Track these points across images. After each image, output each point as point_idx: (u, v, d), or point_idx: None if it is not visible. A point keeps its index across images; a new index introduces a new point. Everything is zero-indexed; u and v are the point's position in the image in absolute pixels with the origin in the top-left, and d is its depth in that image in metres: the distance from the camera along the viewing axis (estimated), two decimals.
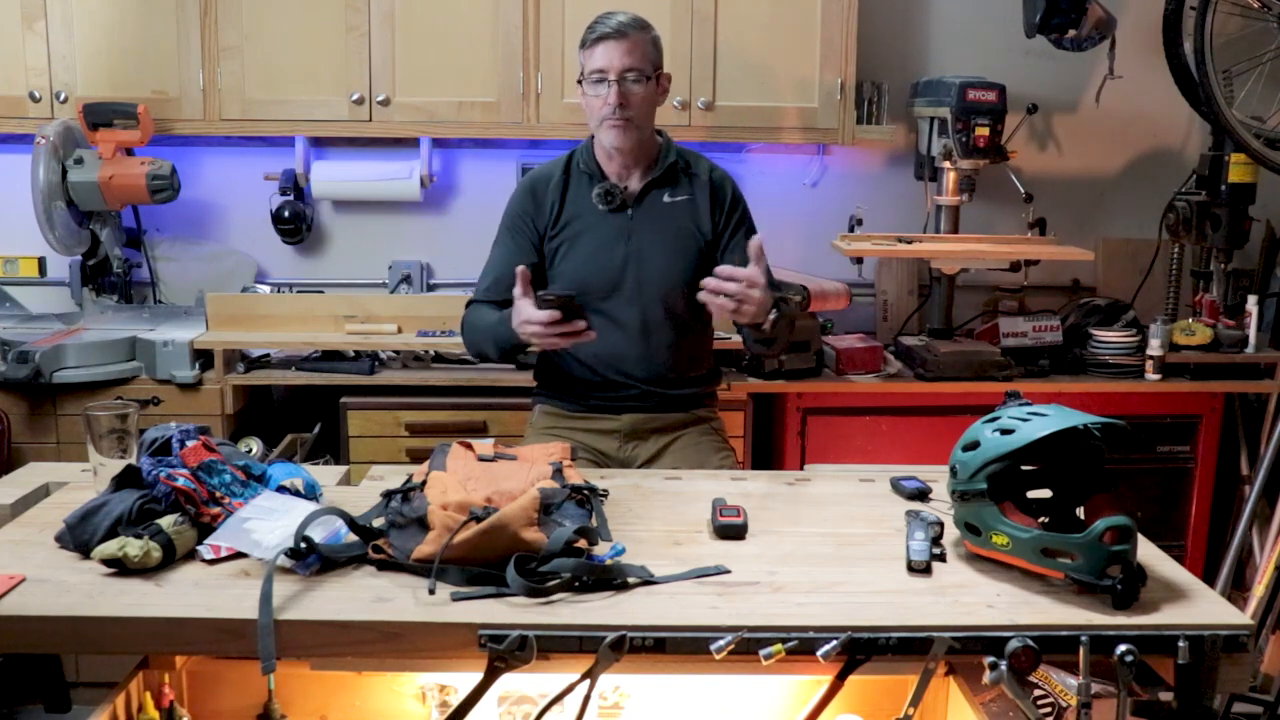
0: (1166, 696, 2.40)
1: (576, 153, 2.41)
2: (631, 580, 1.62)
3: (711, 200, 2.38)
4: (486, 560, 1.59)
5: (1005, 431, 1.64)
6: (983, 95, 3.19)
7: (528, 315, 2.06)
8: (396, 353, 3.20)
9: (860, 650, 1.50)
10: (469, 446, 1.94)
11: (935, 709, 1.86)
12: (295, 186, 3.44)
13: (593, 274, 2.34)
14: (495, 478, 1.79)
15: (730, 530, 1.82)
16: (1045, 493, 1.80)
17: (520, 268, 2.10)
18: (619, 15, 2.28)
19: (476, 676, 1.51)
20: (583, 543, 1.65)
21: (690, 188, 2.38)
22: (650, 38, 2.30)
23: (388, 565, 1.65)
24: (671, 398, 2.40)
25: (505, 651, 1.47)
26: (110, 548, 1.60)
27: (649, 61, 2.29)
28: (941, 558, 1.73)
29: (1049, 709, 2.39)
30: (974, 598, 1.61)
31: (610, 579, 1.61)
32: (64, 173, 3.13)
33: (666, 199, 2.37)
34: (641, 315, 2.35)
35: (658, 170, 2.36)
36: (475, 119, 3.21)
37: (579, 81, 2.32)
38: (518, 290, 2.09)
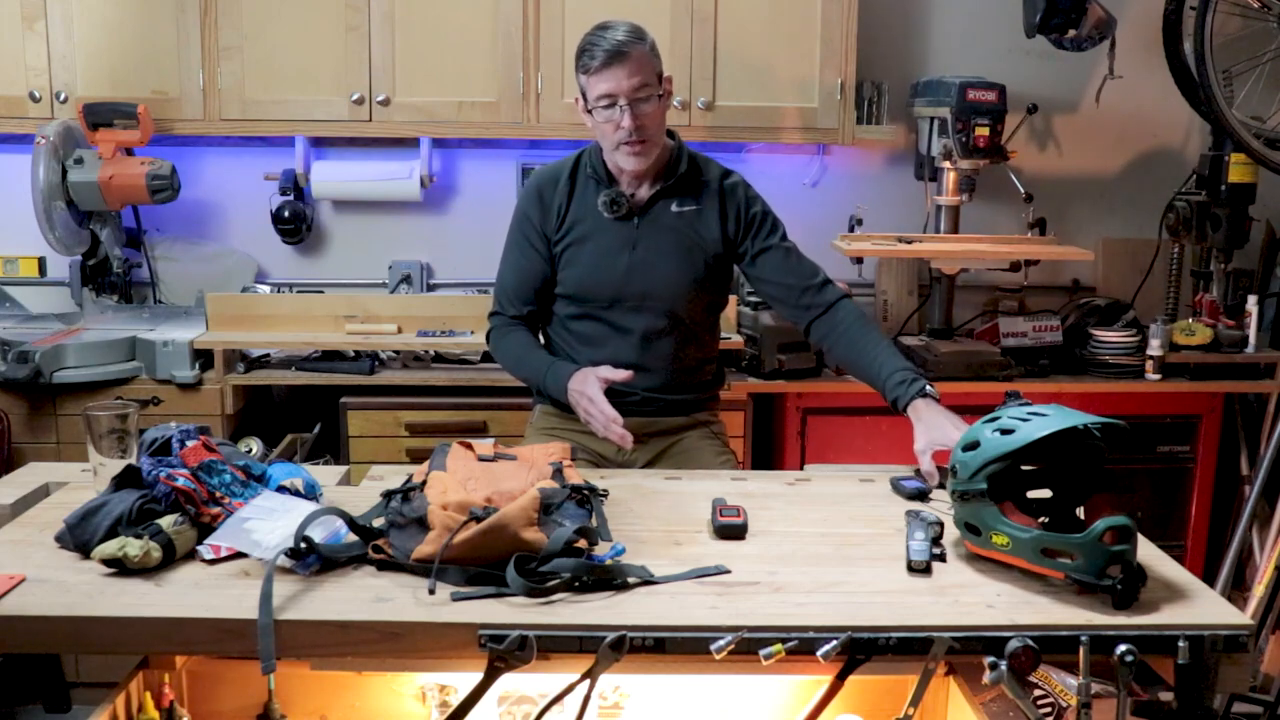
0: (1166, 696, 2.40)
1: (585, 154, 2.34)
2: (631, 580, 1.62)
3: (721, 209, 2.31)
4: (486, 560, 1.59)
5: (1005, 431, 1.64)
6: (983, 95, 3.19)
7: (603, 407, 2.12)
8: (396, 353, 3.20)
9: (860, 650, 1.50)
10: (469, 446, 1.94)
11: (935, 709, 1.86)
12: (295, 186, 3.44)
13: (595, 282, 2.30)
14: (495, 478, 1.79)
15: (730, 530, 1.82)
16: (1045, 493, 1.80)
17: (625, 376, 2.15)
18: (613, 31, 2.17)
19: (476, 676, 1.51)
20: (583, 543, 1.65)
21: (699, 197, 2.31)
22: (649, 47, 2.20)
23: (388, 565, 1.65)
24: (672, 403, 2.39)
25: (505, 651, 1.47)
26: (110, 548, 1.60)
27: (654, 73, 2.20)
28: (941, 558, 1.73)
29: (1049, 709, 2.39)
30: (974, 598, 1.61)
31: (610, 579, 1.61)
32: (64, 173, 3.13)
33: (675, 208, 2.30)
34: (643, 325, 2.32)
35: (669, 179, 2.30)
36: (475, 119, 3.21)
37: (586, 110, 2.22)
38: (603, 376, 2.14)
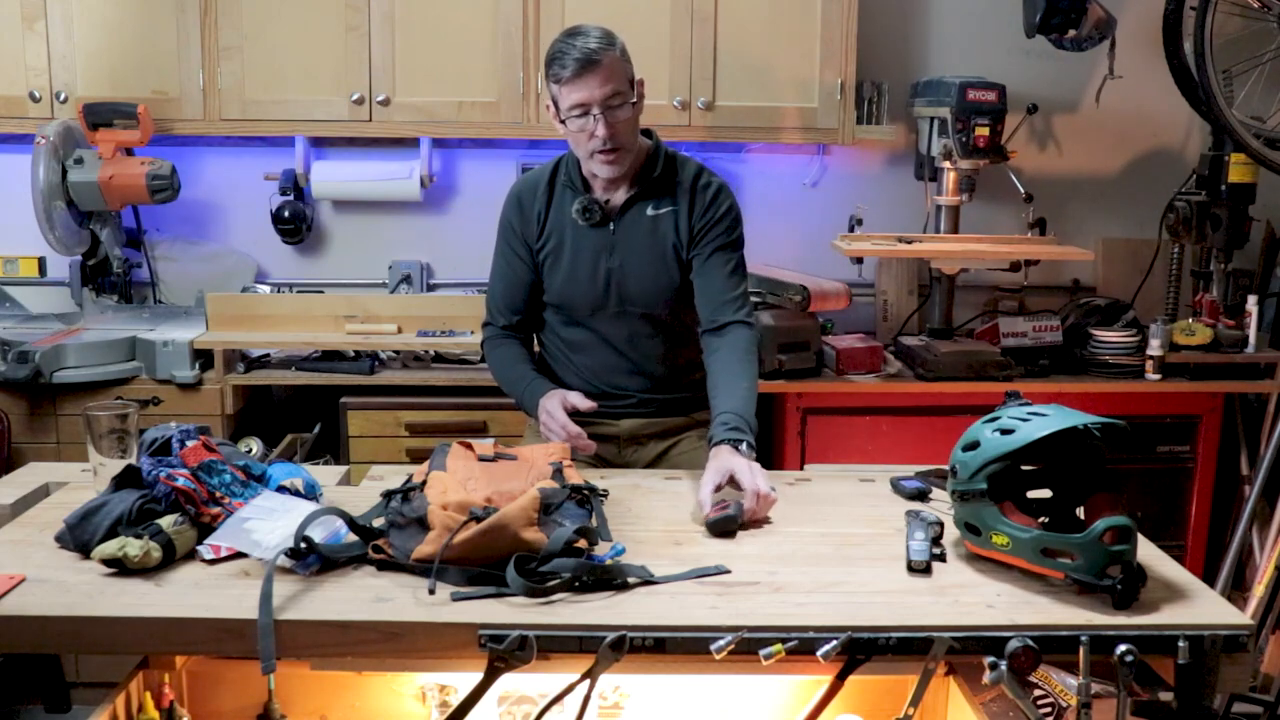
0: (1166, 696, 2.40)
1: (563, 161, 2.32)
2: (631, 580, 1.62)
3: (690, 207, 2.27)
4: (486, 560, 1.59)
5: (1005, 431, 1.64)
6: (983, 95, 3.19)
7: (561, 420, 2.14)
8: (396, 353, 3.20)
9: (860, 650, 1.50)
10: (469, 446, 1.94)
11: (935, 709, 1.86)
12: (295, 186, 3.44)
13: (576, 290, 2.29)
14: (495, 478, 1.79)
15: (722, 524, 1.82)
16: (1045, 493, 1.80)
17: (590, 406, 2.18)
18: (583, 38, 2.11)
19: (476, 676, 1.51)
20: (583, 543, 1.65)
21: (675, 197, 2.27)
22: (618, 51, 2.14)
23: (388, 565, 1.65)
24: (669, 402, 2.38)
25: (505, 651, 1.47)
26: (110, 548, 1.60)
27: (626, 78, 2.15)
28: (941, 558, 1.73)
29: (1049, 709, 2.39)
30: (974, 598, 1.61)
31: (610, 579, 1.61)
32: (64, 173, 3.13)
33: (650, 211, 2.27)
34: (628, 330, 2.31)
35: (644, 183, 2.27)
36: (475, 119, 3.21)
37: (559, 119, 2.18)
38: (570, 401, 2.16)
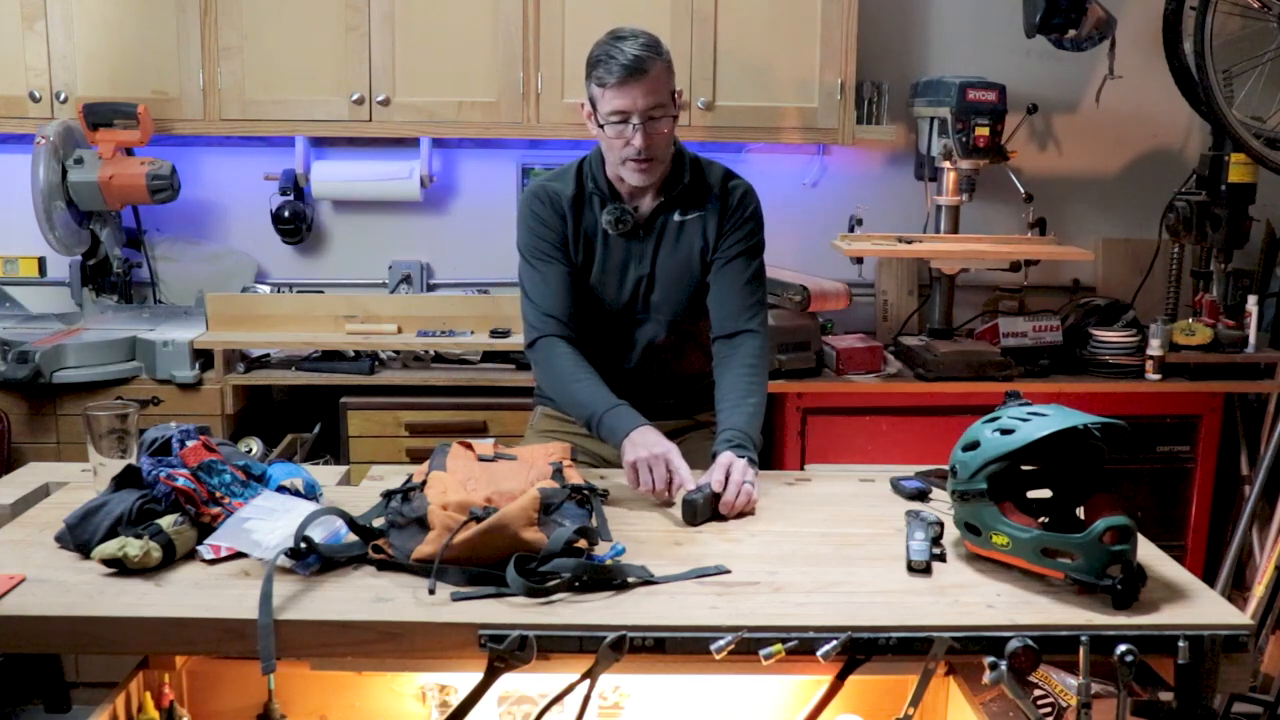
0: (1166, 696, 2.40)
1: (586, 166, 2.28)
2: (631, 580, 1.62)
3: (721, 211, 2.26)
4: (486, 560, 1.59)
5: (1005, 431, 1.64)
6: (983, 95, 3.19)
7: (661, 474, 1.95)
8: (396, 353, 3.20)
9: (860, 650, 1.50)
10: (469, 446, 1.94)
11: (935, 709, 1.86)
12: (295, 186, 3.44)
13: (603, 297, 2.28)
14: (495, 478, 1.79)
15: (692, 509, 1.84)
16: (1045, 493, 1.80)
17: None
18: (629, 44, 2.07)
19: (476, 676, 1.51)
20: (583, 543, 1.65)
21: (703, 204, 2.26)
22: (666, 63, 2.12)
23: (388, 565, 1.65)
24: (672, 405, 2.39)
25: (505, 651, 1.47)
26: (110, 548, 1.60)
27: (669, 91, 2.12)
28: (941, 558, 1.73)
29: (1049, 709, 2.39)
30: (974, 598, 1.61)
31: (610, 579, 1.61)
32: (64, 173, 3.13)
33: (678, 218, 2.26)
34: (649, 336, 2.31)
35: (672, 190, 2.24)
36: (475, 119, 3.20)
37: (597, 123, 2.14)
38: (668, 465, 1.96)
